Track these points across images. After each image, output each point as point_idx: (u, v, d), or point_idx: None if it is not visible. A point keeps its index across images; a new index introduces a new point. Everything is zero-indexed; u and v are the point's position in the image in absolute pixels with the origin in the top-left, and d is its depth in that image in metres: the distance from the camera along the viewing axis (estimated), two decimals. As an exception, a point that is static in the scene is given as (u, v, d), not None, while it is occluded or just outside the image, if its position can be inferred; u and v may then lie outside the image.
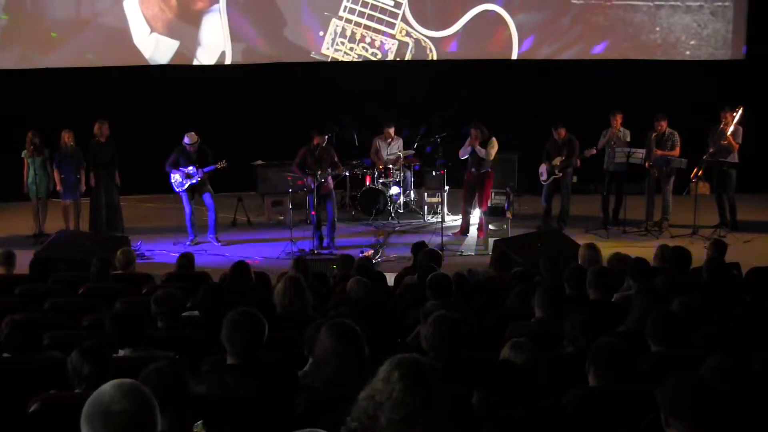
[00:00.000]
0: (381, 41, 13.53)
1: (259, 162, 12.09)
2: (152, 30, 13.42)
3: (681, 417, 2.74)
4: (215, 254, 9.86)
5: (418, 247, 7.62)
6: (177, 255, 7.52)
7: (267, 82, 13.51)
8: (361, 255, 8.76)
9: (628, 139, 10.86)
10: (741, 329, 4.65)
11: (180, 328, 4.92)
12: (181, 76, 13.40)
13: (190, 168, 10.03)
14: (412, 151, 12.21)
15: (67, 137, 10.53)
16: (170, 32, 13.48)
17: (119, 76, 13.29)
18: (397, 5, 13.42)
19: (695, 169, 10.35)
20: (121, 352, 4.20)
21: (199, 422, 2.76)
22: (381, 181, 11.73)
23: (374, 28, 13.53)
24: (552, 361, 3.78)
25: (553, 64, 13.43)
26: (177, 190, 10.19)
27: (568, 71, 13.27)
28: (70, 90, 12.96)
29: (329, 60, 13.52)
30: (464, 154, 10.61)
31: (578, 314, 4.24)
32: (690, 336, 4.18)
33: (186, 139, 10.06)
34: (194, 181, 10.08)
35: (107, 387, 2.23)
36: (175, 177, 10.10)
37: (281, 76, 13.52)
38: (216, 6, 13.42)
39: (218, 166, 10.11)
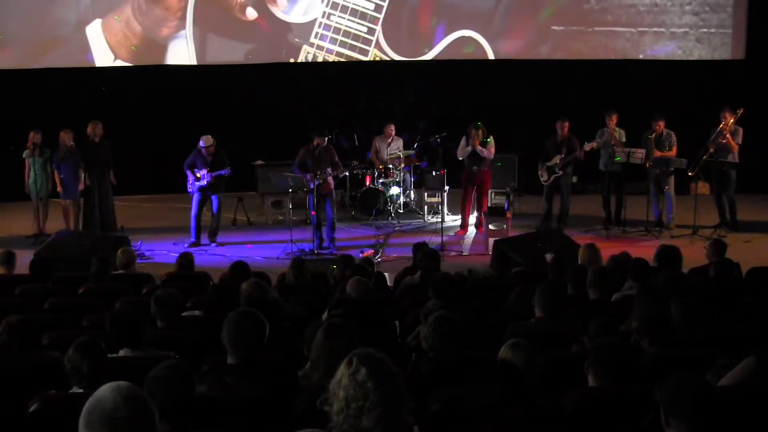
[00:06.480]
0: (354, 68, 13.28)
1: (259, 162, 12.08)
2: (116, 57, 13.16)
3: (681, 417, 2.73)
4: (215, 254, 9.87)
5: (419, 248, 7.62)
6: (177, 255, 7.53)
7: (266, 81, 13.49)
8: (361, 255, 8.76)
9: (624, 139, 10.84)
10: (741, 329, 4.65)
11: (180, 328, 4.93)
12: (181, 76, 13.39)
13: (203, 171, 10.08)
14: (413, 151, 12.19)
15: (66, 137, 10.52)
16: (134, 59, 13.23)
17: (119, 76, 13.28)
18: (371, 31, 13.14)
19: (694, 164, 10.35)
20: (121, 352, 4.20)
21: None
22: (381, 181, 11.72)
23: (347, 55, 13.27)
24: (552, 361, 3.78)
25: (550, 64, 13.38)
26: (189, 189, 10.24)
27: (566, 71, 13.24)
28: (69, 90, 12.95)
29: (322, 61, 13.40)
30: (464, 155, 10.63)
31: (582, 315, 4.24)
32: (689, 336, 4.18)
33: (201, 142, 10.10)
34: (203, 183, 10.12)
35: (106, 393, 2.16)
36: (190, 178, 10.18)
37: (281, 76, 13.51)
38: (182, 32, 13.12)
39: (223, 173, 10.08)
